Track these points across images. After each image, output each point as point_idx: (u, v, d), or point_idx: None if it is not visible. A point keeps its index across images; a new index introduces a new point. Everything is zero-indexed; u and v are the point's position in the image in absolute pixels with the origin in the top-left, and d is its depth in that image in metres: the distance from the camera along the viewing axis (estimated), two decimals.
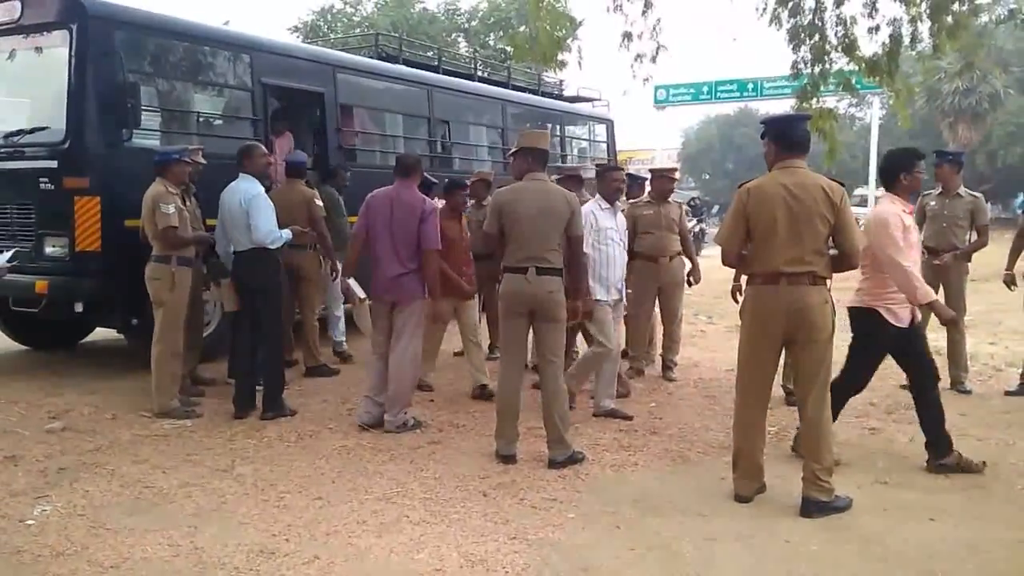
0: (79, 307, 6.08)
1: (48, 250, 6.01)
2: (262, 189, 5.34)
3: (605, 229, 5.28)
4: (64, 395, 5.76)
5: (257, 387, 5.34)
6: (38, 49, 6.30)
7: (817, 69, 7.84)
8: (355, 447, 4.70)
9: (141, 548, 3.30)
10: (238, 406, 5.28)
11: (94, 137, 6.01)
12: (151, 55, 6.77)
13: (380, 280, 5.03)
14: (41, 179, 5.98)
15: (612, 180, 5.46)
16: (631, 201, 6.80)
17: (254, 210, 5.17)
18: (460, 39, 29.71)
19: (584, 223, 4.78)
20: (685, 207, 7.14)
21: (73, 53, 5.98)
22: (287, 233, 5.43)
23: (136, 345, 6.24)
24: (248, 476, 4.18)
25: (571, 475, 4.26)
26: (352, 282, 5.24)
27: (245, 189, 5.24)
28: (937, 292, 6.32)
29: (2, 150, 6.22)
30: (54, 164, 5.96)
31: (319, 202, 6.43)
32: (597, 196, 5.48)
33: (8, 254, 1.88)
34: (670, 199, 6.67)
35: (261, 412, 5.27)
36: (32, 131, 6.18)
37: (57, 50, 6.10)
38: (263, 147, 5.65)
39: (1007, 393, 6.17)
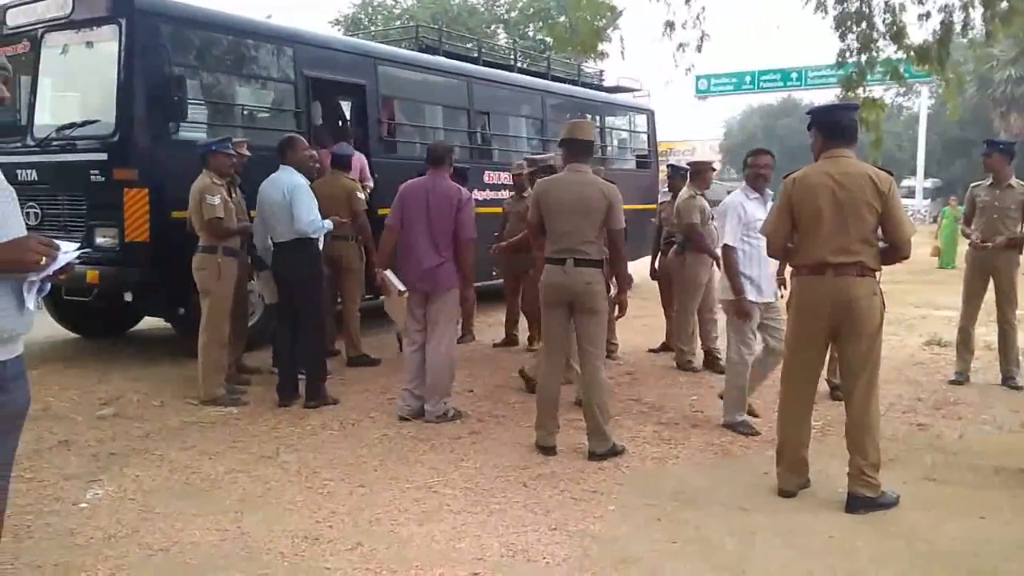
0: (128, 296, 6.25)
1: (99, 240, 6.17)
2: (304, 180, 5.37)
3: (754, 221, 4.71)
4: (114, 382, 5.91)
5: (300, 376, 5.41)
6: (88, 44, 6.44)
7: (863, 57, 7.68)
8: (396, 436, 4.75)
9: (189, 532, 3.38)
10: (281, 395, 5.36)
11: (142, 130, 6.15)
12: (197, 49, 6.89)
13: (415, 270, 5.01)
14: (92, 171, 6.14)
15: (755, 166, 5.01)
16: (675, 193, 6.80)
17: (296, 199, 5.19)
18: (500, 30, 29.72)
19: (731, 215, 4.78)
20: None
21: (122, 47, 6.12)
22: (328, 223, 5.47)
23: (183, 334, 6.38)
24: (292, 463, 4.25)
25: (611, 467, 4.25)
26: (389, 274, 5.18)
27: (287, 180, 5.27)
28: (987, 284, 6.18)
29: (54, 143, 6.39)
30: (104, 156, 6.11)
31: (361, 195, 6.48)
32: (744, 185, 5.10)
33: (75, 247, 1.94)
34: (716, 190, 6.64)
35: (304, 401, 5.32)
36: (83, 124, 6.33)
37: (106, 44, 6.24)
38: (305, 140, 5.70)
39: None
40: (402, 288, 5.08)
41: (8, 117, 6.92)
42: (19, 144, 6.56)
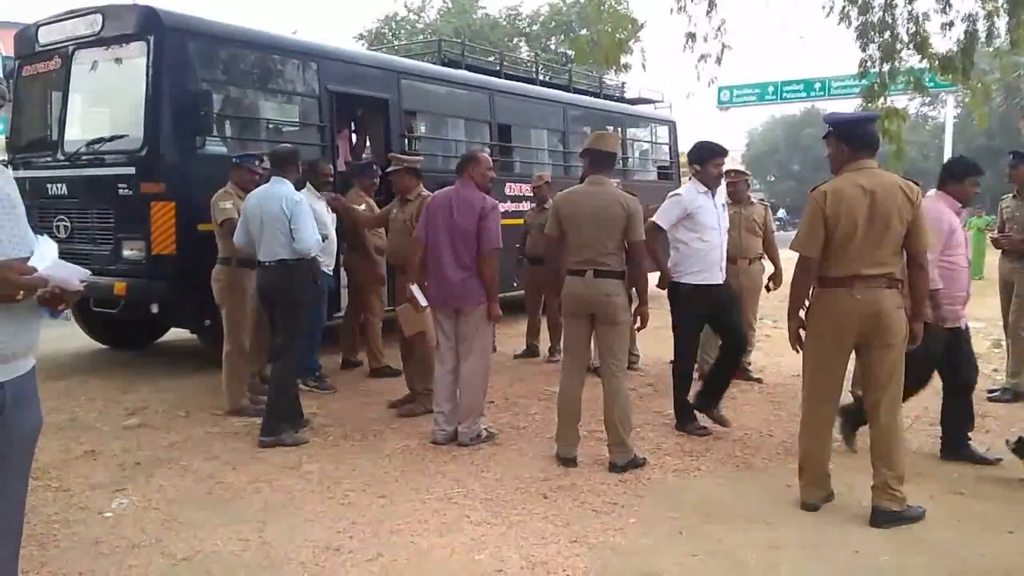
0: (155, 308, 6.33)
1: (126, 253, 6.27)
2: (303, 195, 5.07)
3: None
4: (140, 393, 5.99)
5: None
6: (117, 60, 6.57)
7: (886, 67, 7.63)
8: (417, 447, 4.76)
9: (212, 542, 3.41)
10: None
11: (169, 144, 6.24)
12: (223, 64, 7.00)
13: (443, 287, 4.78)
14: (120, 185, 6.25)
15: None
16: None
17: (298, 216, 4.82)
18: (522, 43, 29.84)
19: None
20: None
21: (150, 64, 6.23)
22: (320, 237, 5.19)
23: (208, 345, 6.46)
24: (314, 474, 4.28)
25: (632, 479, 4.23)
26: (415, 288, 4.95)
27: (287, 194, 4.88)
28: (1012, 294, 6.10)
29: (84, 157, 6.51)
30: (132, 170, 6.22)
31: (360, 207, 6.48)
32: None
33: (79, 274, 1.83)
34: (753, 200, 6.63)
35: (260, 435, 4.82)
36: (111, 139, 6.46)
37: (135, 61, 6.36)
38: (300, 154, 5.33)
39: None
40: (425, 303, 4.90)
41: (40, 133, 7.08)
42: (50, 159, 6.70)
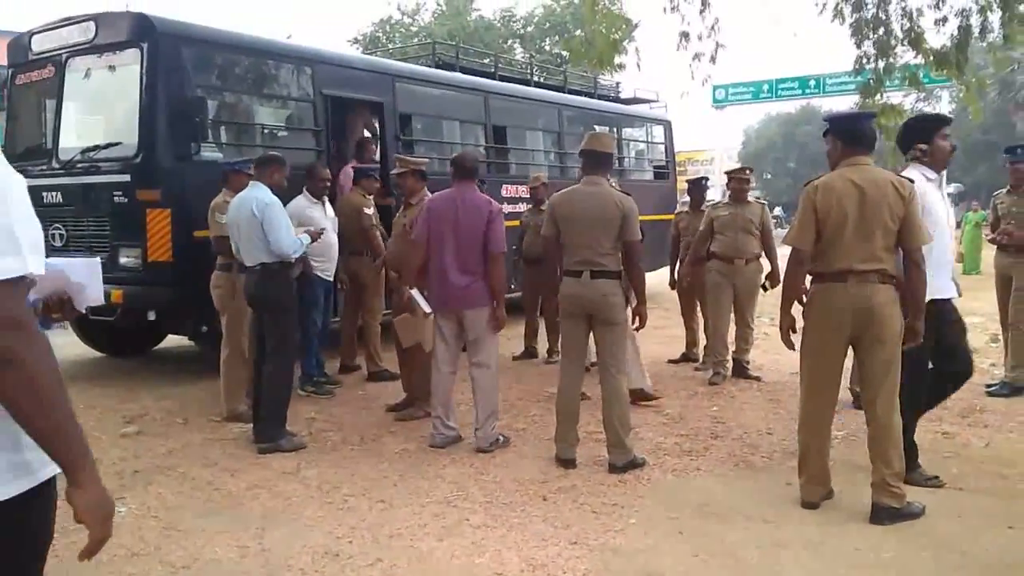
0: (152, 315, 6.33)
1: (122, 260, 6.26)
2: (276, 198, 4.92)
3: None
4: (138, 400, 5.97)
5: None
6: (111, 68, 6.56)
7: (881, 64, 7.65)
8: (416, 451, 4.75)
9: (211, 549, 3.40)
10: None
11: (164, 151, 6.23)
12: (217, 70, 6.99)
13: (447, 290, 4.71)
14: (115, 192, 6.24)
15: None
16: (710, 202, 7.14)
17: (269, 221, 4.76)
18: (516, 45, 29.84)
19: None
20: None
21: (144, 71, 6.22)
22: (305, 238, 5.10)
23: (206, 352, 6.44)
24: (313, 479, 4.27)
25: (632, 480, 4.23)
26: (416, 293, 4.86)
27: (258, 197, 4.82)
28: (1009, 288, 6.10)
29: (79, 165, 6.50)
30: (127, 178, 6.21)
31: (369, 210, 6.50)
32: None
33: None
34: (751, 199, 6.64)
35: (256, 440, 4.82)
36: (106, 146, 6.44)
37: (129, 68, 6.35)
38: (283, 159, 5.22)
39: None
40: (428, 309, 4.80)
41: (35, 141, 7.07)
42: (45, 167, 6.69)
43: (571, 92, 11.60)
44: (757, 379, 6.56)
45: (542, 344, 7.55)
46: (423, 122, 9.25)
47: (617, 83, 13.67)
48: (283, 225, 4.82)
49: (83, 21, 6.59)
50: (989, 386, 6.08)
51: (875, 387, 3.67)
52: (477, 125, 9.64)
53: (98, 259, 1.97)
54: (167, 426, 5.32)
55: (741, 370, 6.65)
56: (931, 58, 7.59)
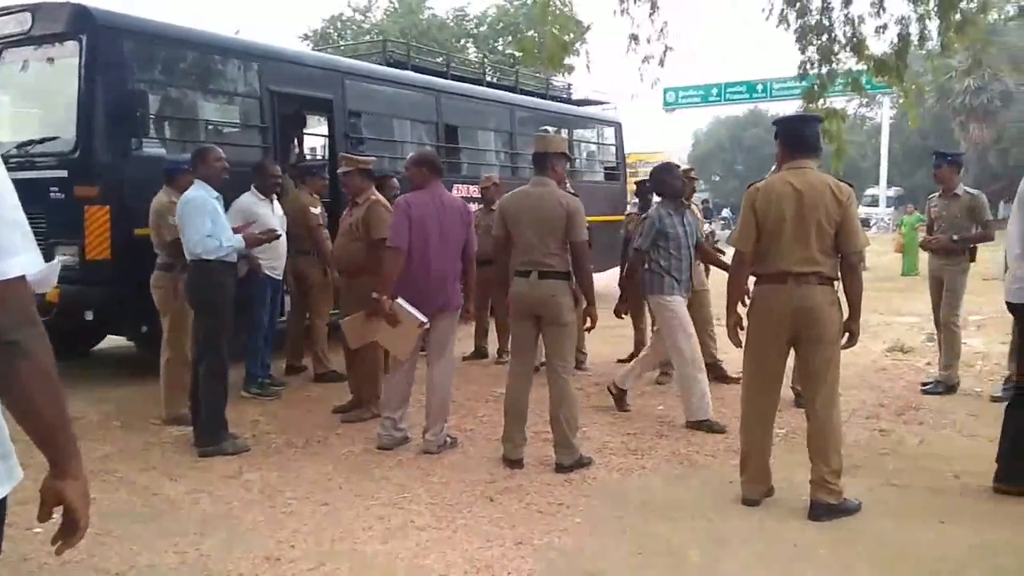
0: (89, 315, 6.14)
1: (59, 259, 6.06)
2: (201, 195, 4.71)
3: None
4: (75, 403, 5.77)
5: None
6: (48, 60, 6.36)
7: (824, 69, 7.82)
8: (362, 453, 4.71)
9: (148, 556, 3.31)
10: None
11: (103, 146, 6.07)
12: (160, 64, 6.83)
13: (428, 290, 4.62)
14: (51, 188, 6.04)
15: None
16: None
17: (182, 217, 4.67)
18: (469, 44, 29.80)
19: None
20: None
21: (82, 63, 6.04)
22: (237, 241, 4.83)
23: (146, 353, 6.28)
24: (255, 482, 4.19)
25: (578, 479, 4.25)
26: (403, 303, 4.54)
27: (186, 197, 4.73)
28: (942, 290, 6.27)
29: (13, 160, 6.28)
30: (64, 173, 6.02)
31: (315, 210, 6.41)
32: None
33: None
34: (696, 202, 6.67)
35: (196, 443, 4.71)
36: (42, 141, 6.25)
37: (67, 60, 6.16)
38: (218, 150, 5.01)
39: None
40: (423, 319, 4.56)
41: None
42: None
43: (523, 93, 11.63)
44: (736, 381, 6.44)
45: (492, 344, 7.55)
46: (373, 120, 9.17)
47: (569, 84, 13.76)
48: (193, 224, 4.63)
49: (19, 11, 6.37)
50: (924, 384, 6.26)
51: (815, 386, 3.76)
52: (429, 124, 9.59)
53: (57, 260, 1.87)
54: (105, 430, 5.18)
55: (718, 371, 6.42)
56: (872, 64, 7.78)
